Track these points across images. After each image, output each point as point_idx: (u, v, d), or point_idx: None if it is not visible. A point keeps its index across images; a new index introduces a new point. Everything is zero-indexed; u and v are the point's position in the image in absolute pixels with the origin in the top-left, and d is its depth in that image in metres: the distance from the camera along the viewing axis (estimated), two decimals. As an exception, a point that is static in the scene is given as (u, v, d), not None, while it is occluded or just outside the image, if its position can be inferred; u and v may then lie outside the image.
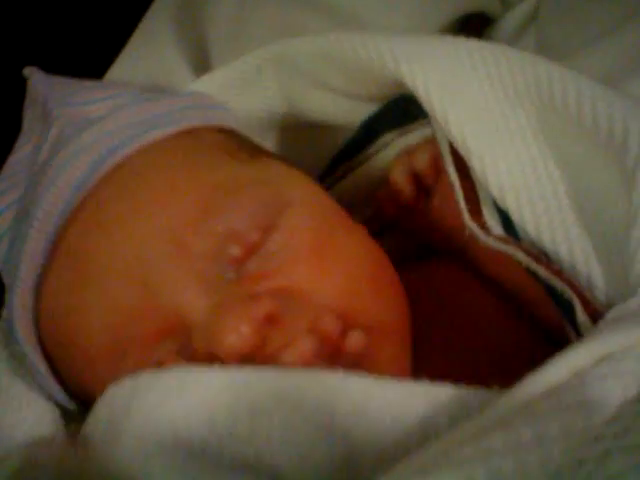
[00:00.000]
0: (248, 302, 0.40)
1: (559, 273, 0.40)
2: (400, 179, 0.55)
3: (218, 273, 0.42)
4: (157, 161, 0.46)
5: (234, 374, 0.36)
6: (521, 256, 0.41)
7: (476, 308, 0.48)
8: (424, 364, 0.43)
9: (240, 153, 0.49)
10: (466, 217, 0.45)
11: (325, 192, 0.49)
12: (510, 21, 0.66)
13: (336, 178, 0.61)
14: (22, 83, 0.64)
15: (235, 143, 0.51)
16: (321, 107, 0.57)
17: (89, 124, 0.48)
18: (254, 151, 0.51)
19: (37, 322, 0.47)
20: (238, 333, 0.38)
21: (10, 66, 0.75)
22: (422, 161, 0.53)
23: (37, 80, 0.56)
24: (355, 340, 0.39)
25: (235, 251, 0.42)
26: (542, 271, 0.41)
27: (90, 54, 0.75)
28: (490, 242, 0.43)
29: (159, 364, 0.41)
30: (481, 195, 0.44)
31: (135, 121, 0.48)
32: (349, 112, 0.57)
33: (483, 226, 0.44)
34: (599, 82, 0.42)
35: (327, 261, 0.43)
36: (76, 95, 0.52)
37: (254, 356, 0.39)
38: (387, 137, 0.58)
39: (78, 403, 0.50)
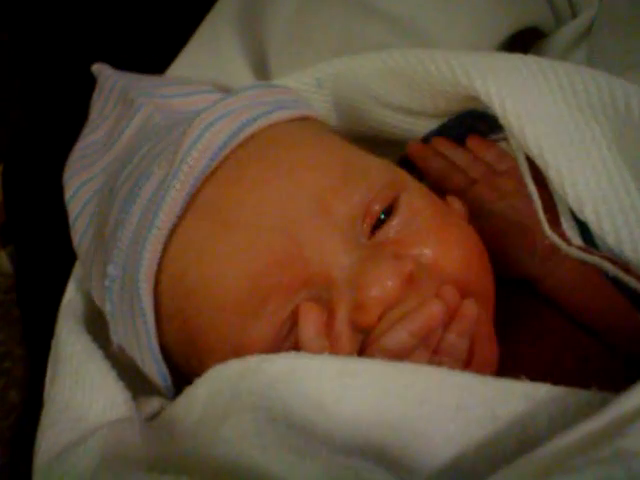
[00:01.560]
0: (395, 259, 0.43)
1: None
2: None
3: (356, 235, 0.45)
4: (292, 133, 0.50)
5: (342, 362, 0.38)
6: (608, 266, 0.42)
7: (551, 329, 0.49)
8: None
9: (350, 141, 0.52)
10: (546, 227, 0.45)
11: None
12: (562, 36, 0.66)
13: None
14: (79, 79, 0.66)
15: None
16: (379, 122, 0.59)
17: (208, 106, 0.50)
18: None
19: (158, 275, 0.47)
20: (384, 285, 0.42)
21: (70, 63, 0.77)
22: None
23: (109, 74, 0.61)
24: (470, 309, 0.43)
25: (368, 219, 0.45)
26: (632, 280, 0.41)
27: (149, 52, 0.77)
28: (573, 252, 0.44)
29: (295, 310, 0.43)
30: (559, 206, 0.45)
31: (261, 101, 0.51)
32: (409, 128, 0.58)
33: (563, 237, 0.45)
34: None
35: (446, 236, 0.47)
36: (158, 88, 0.56)
37: (390, 309, 0.42)
38: None
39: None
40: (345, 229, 0.44)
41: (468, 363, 0.43)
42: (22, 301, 0.81)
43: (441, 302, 0.42)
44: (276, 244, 0.44)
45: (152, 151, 0.50)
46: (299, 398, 0.37)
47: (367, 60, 0.56)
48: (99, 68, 0.64)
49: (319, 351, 0.41)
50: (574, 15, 0.66)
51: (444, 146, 0.58)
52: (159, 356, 0.48)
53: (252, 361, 0.40)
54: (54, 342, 0.56)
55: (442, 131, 0.57)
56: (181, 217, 0.46)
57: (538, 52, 0.69)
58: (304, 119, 0.52)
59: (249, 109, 0.49)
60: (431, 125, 0.57)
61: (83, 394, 0.49)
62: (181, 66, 0.69)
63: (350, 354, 0.42)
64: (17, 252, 0.80)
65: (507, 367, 0.44)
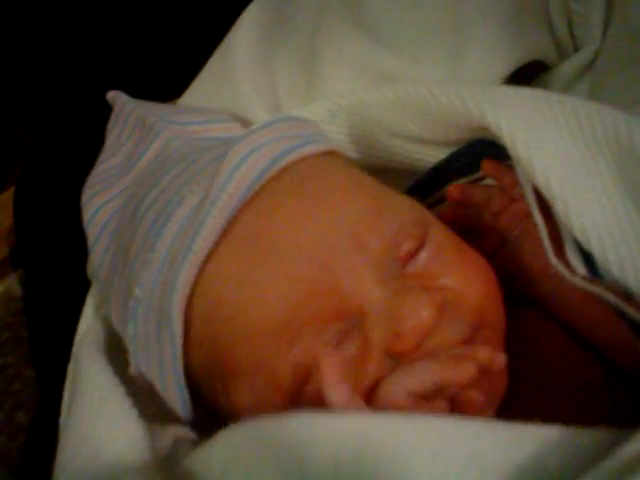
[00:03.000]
0: (427, 290, 0.45)
1: None
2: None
3: (388, 269, 0.46)
4: (325, 166, 0.52)
5: (357, 421, 0.38)
6: (610, 296, 0.43)
7: (557, 353, 0.50)
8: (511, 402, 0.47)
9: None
10: (551, 256, 0.46)
11: None
12: (565, 69, 0.68)
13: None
14: (90, 106, 0.67)
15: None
16: (390, 153, 0.60)
17: (243, 136, 0.51)
18: None
19: (191, 299, 0.47)
20: (421, 315, 0.44)
21: (82, 90, 0.78)
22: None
23: (125, 101, 0.62)
24: (499, 364, 0.43)
25: (402, 255, 0.47)
26: (633, 311, 0.43)
27: (161, 80, 0.79)
28: (577, 281, 0.45)
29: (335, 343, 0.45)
30: (564, 236, 0.46)
31: (291, 134, 0.52)
32: (418, 158, 0.60)
33: (567, 266, 0.46)
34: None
35: (467, 268, 0.49)
36: (175, 115, 0.58)
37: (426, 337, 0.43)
38: (445, 189, 0.59)
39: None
40: (378, 263, 0.46)
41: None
42: (31, 324, 0.82)
43: (475, 365, 0.42)
44: (313, 275, 0.45)
45: (180, 177, 0.52)
46: (316, 460, 0.37)
47: (379, 93, 0.58)
48: (115, 95, 0.65)
49: (342, 396, 0.41)
50: (576, 49, 0.68)
51: (462, 190, 0.58)
52: (182, 380, 0.49)
53: (269, 423, 0.39)
54: (72, 369, 0.57)
55: (452, 159, 0.59)
56: (217, 244, 0.47)
57: (541, 84, 0.71)
58: (331, 153, 0.54)
59: (282, 141, 0.51)
60: (441, 154, 0.59)
61: (103, 429, 0.49)
62: (193, 95, 0.71)
63: (377, 378, 0.44)
64: (27, 275, 0.81)
65: (513, 393, 0.46)
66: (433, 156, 0.59)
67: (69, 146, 0.81)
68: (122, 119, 0.62)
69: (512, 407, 0.46)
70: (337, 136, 0.62)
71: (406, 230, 0.47)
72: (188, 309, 0.47)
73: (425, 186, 0.61)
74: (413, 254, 0.47)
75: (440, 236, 0.49)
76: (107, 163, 0.60)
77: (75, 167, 0.68)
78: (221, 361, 0.48)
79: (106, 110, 0.70)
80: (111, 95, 0.66)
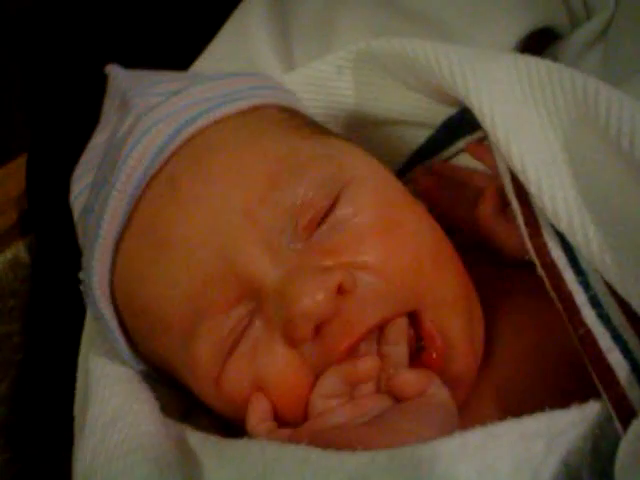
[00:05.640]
0: (321, 272, 0.43)
1: None
2: None
3: (286, 244, 0.45)
4: (227, 137, 0.49)
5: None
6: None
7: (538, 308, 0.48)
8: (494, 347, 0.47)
9: (303, 129, 0.52)
10: (526, 240, 0.45)
11: (386, 168, 0.51)
12: (578, 38, 0.68)
13: (412, 179, 0.62)
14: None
15: (298, 120, 0.54)
16: (400, 104, 0.60)
17: (164, 99, 0.51)
18: (316, 129, 0.54)
19: (112, 286, 0.49)
20: (313, 298, 0.41)
21: (97, 58, 0.79)
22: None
23: (116, 74, 0.60)
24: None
25: (301, 222, 0.45)
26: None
27: (178, 44, 0.79)
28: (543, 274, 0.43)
29: (241, 328, 0.44)
30: (540, 219, 0.45)
31: (207, 97, 0.51)
32: (428, 110, 0.59)
33: (542, 247, 0.44)
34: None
35: (391, 238, 0.45)
36: (155, 87, 0.55)
37: (323, 321, 0.42)
38: (461, 143, 0.60)
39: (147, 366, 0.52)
40: (274, 239, 0.44)
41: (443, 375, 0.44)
42: (37, 291, 0.82)
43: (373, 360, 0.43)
44: (207, 262, 0.44)
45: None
46: None
47: (385, 45, 0.56)
48: (110, 69, 0.63)
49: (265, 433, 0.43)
50: (589, 17, 0.68)
51: (445, 169, 0.60)
52: (131, 357, 0.51)
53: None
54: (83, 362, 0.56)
55: (460, 115, 0.58)
56: (124, 230, 0.48)
57: (554, 54, 0.71)
58: (255, 109, 0.51)
59: (190, 108, 0.49)
60: (450, 108, 0.58)
61: (139, 403, 0.50)
62: (208, 58, 0.71)
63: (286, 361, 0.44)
64: (37, 242, 0.81)
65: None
66: (442, 112, 0.59)
67: (81, 112, 0.81)
68: (111, 95, 0.60)
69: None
70: (345, 92, 0.61)
71: (313, 191, 0.45)
72: (114, 301, 0.49)
73: (437, 142, 0.61)
74: (320, 219, 0.45)
75: (362, 195, 0.45)
76: (96, 138, 0.58)
77: (87, 134, 0.69)
78: (151, 346, 0.49)
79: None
80: (108, 68, 0.65)
